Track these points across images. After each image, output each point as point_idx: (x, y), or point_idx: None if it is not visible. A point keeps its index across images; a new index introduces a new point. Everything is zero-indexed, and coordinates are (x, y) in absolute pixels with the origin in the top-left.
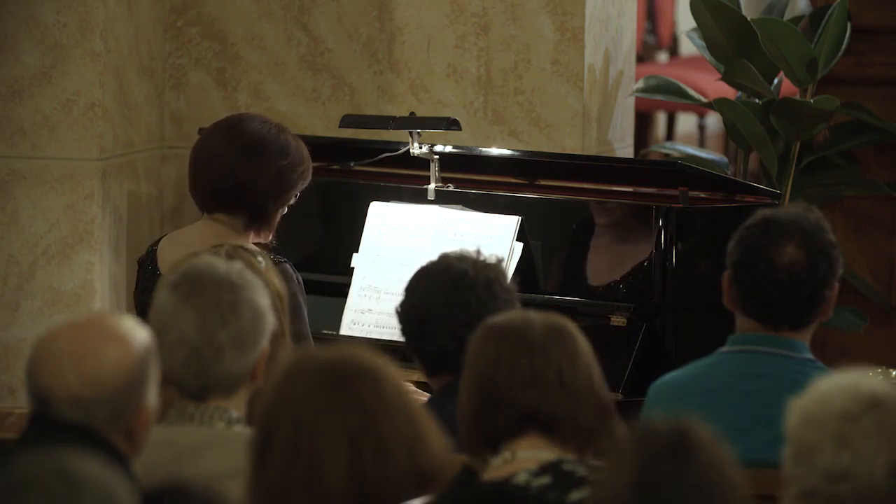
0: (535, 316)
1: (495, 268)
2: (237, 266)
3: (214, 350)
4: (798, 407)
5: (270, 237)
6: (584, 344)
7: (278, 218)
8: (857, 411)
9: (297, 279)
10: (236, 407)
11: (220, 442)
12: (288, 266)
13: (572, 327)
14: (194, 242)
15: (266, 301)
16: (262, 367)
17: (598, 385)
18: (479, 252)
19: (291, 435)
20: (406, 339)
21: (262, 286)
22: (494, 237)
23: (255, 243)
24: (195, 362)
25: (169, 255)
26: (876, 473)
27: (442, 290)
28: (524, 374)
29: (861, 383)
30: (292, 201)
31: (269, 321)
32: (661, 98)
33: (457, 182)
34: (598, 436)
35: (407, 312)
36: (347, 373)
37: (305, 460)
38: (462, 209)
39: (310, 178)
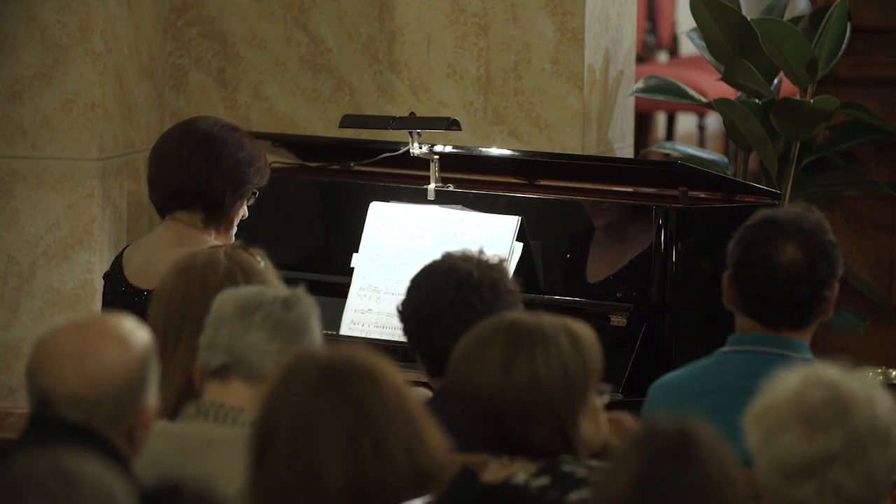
0: (506, 324)
1: (499, 268)
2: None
3: (246, 323)
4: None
5: (231, 237)
6: (556, 352)
7: (237, 217)
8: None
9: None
10: (254, 408)
11: (231, 441)
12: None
13: (547, 333)
14: (159, 246)
15: (318, 330)
16: None
17: (563, 401)
18: (482, 252)
19: (290, 435)
20: (409, 339)
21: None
22: (494, 237)
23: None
24: (226, 329)
25: (135, 262)
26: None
27: (447, 290)
28: (485, 404)
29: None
30: (251, 201)
31: (316, 338)
32: (661, 98)
33: (457, 182)
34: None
35: (410, 312)
36: (346, 373)
37: (304, 460)
38: (462, 209)
39: (267, 176)
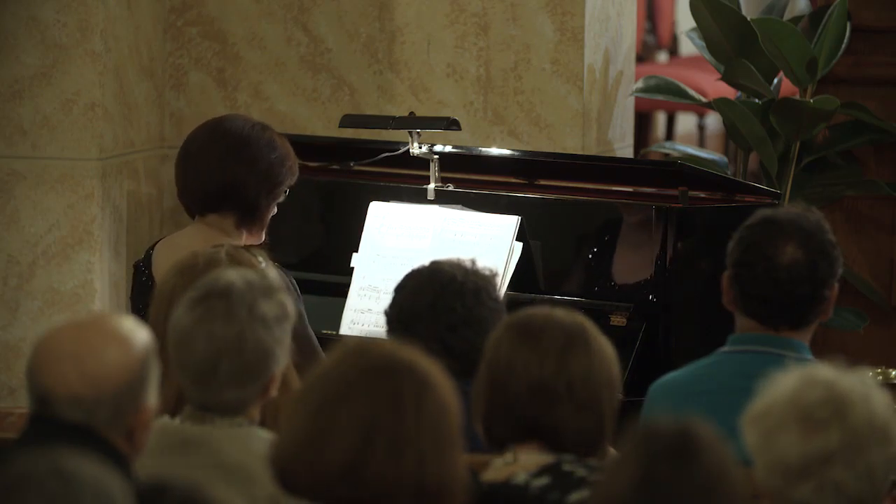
0: (559, 318)
1: (486, 276)
2: (252, 293)
3: (215, 383)
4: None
5: (263, 237)
6: (603, 351)
7: (269, 216)
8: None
9: (291, 282)
10: (245, 417)
11: (228, 436)
12: (280, 271)
13: (594, 333)
14: (188, 247)
15: (275, 335)
16: (276, 383)
17: (607, 397)
18: (473, 262)
19: (321, 400)
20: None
21: (275, 311)
22: (494, 237)
23: (248, 245)
24: (198, 387)
25: (164, 262)
26: None
27: (429, 292)
28: (535, 384)
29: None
30: (282, 199)
31: (279, 355)
32: (661, 98)
33: (457, 182)
34: (600, 445)
35: (394, 313)
36: (399, 369)
37: (319, 431)
38: (462, 209)
39: (297, 173)
